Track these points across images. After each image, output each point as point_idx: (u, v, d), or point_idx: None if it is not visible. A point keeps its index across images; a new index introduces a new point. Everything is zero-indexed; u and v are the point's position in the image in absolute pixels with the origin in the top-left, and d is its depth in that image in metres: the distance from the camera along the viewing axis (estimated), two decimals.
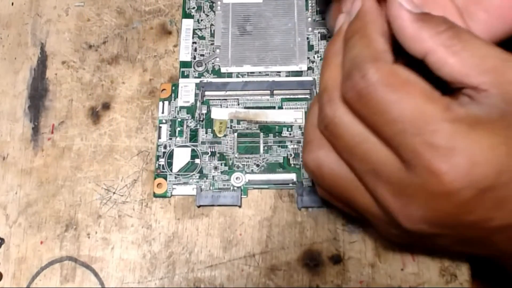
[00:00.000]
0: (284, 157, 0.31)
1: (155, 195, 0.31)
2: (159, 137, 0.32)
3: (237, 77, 0.33)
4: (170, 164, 0.31)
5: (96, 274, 0.30)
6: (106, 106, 0.34)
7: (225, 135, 0.32)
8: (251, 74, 0.33)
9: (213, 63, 0.34)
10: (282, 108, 0.32)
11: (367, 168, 0.21)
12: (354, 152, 0.21)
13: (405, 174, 0.20)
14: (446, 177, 0.19)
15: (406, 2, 0.22)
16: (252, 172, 0.31)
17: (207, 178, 0.31)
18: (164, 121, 0.33)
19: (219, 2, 0.35)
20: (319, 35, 0.34)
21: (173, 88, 0.33)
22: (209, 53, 0.34)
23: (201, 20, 0.35)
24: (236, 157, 0.31)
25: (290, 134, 0.32)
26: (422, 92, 0.20)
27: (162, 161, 0.32)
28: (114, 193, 0.31)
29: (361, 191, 0.22)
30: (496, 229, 0.21)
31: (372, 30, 0.22)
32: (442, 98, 0.20)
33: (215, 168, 0.31)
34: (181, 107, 0.33)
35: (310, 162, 0.23)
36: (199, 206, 0.31)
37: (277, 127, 0.32)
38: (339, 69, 0.22)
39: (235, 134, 0.32)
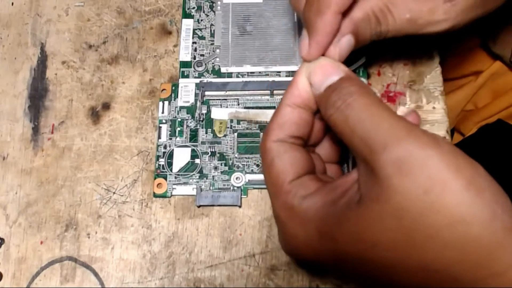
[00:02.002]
0: None
1: (155, 195, 0.31)
2: (159, 137, 0.32)
3: (237, 77, 0.33)
4: (170, 164, 0.31)
5: (96, 274, 0.30)
6: (106, 106, 0.34)
7: (225, 135, 0.32)
8: (251, 74, 0.33)
9: (213, 63, 0.34)
10: None
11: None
12: None
13: None
14: (281, 244, 0.26)
15: (315, 82, 0.25)
16: (252, 172, 0.31)
17: (207, 178, 0.31)
18: (164, 121, 0.33)
19: (219, 2, 0.35)
20: None
21: (173, 88, 0.33)
22: (209, 53, 0.34)
23: (201, 20, 0.35)
24: (236, 157, 0.31)
25: None
26: (279, 172, 0.24)
27: (162, 161, 0.32)
28: (114, 193, 0.31)
29: None
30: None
31: (283, 102, 0.25)
32: (288, 185, 0.24)
33: (215, 168, 0.31)
34: (181, 107, 0.33)
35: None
36: (199, 206, 0.31)
37: None
38: None
39: (235, 134, 0.32)
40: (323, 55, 0.25)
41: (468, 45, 0.47)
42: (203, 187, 0.31)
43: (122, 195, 0.31)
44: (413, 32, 0.26)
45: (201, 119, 0.32)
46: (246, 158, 0.31)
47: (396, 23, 0.26)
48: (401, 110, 0.24)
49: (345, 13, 0.25)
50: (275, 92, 0.33)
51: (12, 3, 0.37)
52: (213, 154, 0.32)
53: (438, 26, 0.26)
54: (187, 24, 0.35)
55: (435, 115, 0.32)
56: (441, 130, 0.31)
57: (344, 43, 0.26)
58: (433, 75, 0.33)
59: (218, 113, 0.33)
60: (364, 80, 0.32)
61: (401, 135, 0.20)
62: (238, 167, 0.31)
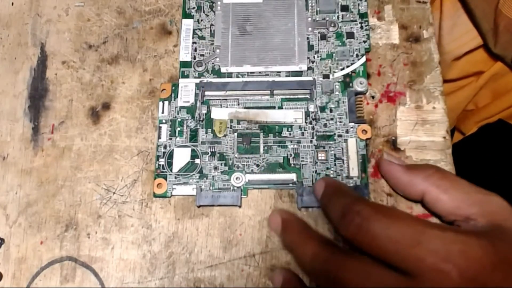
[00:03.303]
0: (284, 157, 0.31)
1: (155, 195, 0.31)
2: (159, 137, 0.32)
3: (237, 77, 0.33)
4: (170, 164, 0.31)
5: (96, 274, 0.30)
6: (106, 106, 0.34)
7: (225, 135, 0.32)
8: (251, 74, 0.33)
9: (213, 63, 0.34)
10: (282, 108, 0.32)
11: None
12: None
13: (413, 284, 0.22)
14: (452, 274, 0.22)
15: (394, 159, 0.29)
16: (252, 172, 0.31)
17: (207, 178, 0.31)
18: (164, 121, 0.33)
19: (219, 2, 0.35)
20: (319, 35, 0.34)
21: (173, 88, 0.33)
22: (209, 53, 0.34)
23: (201, 20, 0.35)
24: (236, 157, 0.31)
25: (290, 134, 0.32)
26: (407, 215, 0.24)
27: (162, 161, 0.32)
28: (114, 193, 0.31)
29: None
30: None
31: (345, 188, 0.28)
32: (423, 218, 0.24)
33: (215, 168, 0.31)
34: (181, 107, 0.33)
35: None
36: (199, 206, 0.31)
37: (277, 127, 0.32)
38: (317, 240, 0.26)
39: (235, 134, 0.32)
40: None
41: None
42: (203, 187, 0.31)
43: (122, 195, 0.31)
44: None
45: (201, 119, 0.32)
46: (246, 158, 0.31)
47: None
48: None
49: None
50: (275, 92, 0.33)
51: (12, 3, 0.37)
52: (213, 154, 0.32)
53: None
54: (187, 24, 0.35)
55: (435, 115, 0.32)
56: (441, 130, 0.31)
57: None
58: (433, 75, 0.33)
59: (218, 113, 0.33)
60: (364, 80, 0.32)
61: None
62: (238, 167, 0.31)
